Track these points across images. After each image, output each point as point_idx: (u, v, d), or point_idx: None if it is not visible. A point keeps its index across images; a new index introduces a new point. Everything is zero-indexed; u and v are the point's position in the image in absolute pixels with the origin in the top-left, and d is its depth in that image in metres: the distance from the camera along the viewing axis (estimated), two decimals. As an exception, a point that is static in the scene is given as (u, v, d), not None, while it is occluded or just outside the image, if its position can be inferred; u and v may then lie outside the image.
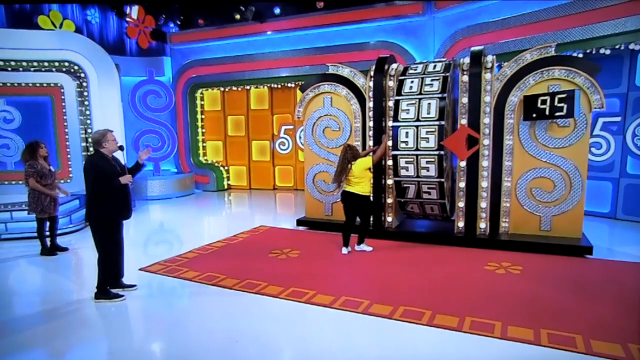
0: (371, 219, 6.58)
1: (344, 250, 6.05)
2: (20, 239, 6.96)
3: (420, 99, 6.27)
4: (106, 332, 3.99)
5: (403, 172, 6.32)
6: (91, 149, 9.19)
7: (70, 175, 9.43)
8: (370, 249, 6.14)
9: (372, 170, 5.97)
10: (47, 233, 6.37)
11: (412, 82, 6.47)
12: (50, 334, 3.86)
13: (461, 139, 6.03)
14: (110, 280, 4.60)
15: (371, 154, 6.38)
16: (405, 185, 6.39)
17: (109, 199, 4.36)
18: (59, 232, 7.25)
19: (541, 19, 7.70)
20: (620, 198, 7.66)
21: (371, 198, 6.12)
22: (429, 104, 6.20)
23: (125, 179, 4.39)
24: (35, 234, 6.38)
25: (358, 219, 6.16)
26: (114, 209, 4.42)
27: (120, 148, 4.55)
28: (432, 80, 6.34)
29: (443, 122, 6.06)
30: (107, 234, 4.47)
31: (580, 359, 3.22)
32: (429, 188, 6.26)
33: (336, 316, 4.05)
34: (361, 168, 5.82)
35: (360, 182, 5.86)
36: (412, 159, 6.23)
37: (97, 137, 4.40)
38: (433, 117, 6.13)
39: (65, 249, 6.49)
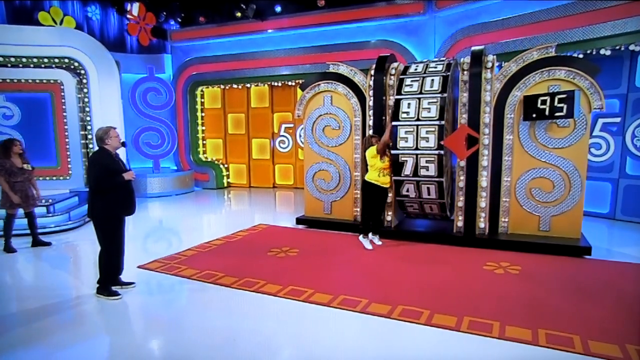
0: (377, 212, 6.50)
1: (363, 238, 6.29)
2: (17, 235, 6.90)
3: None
4: (104, 329, 4.00)
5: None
6: (91, 145, 9.30)
7: (70, 172, 9.43)
8: (369, 246, 6.16)
9: (383, 159, 6.03)
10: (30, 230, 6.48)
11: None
12: (48, 330, 3.86)
13: (461, 138, 6.03)
14: (110, 275, 4.61)
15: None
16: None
17: (112, 195, 4.40)
18: (58, 229, 7.29)
19: (542, 19, 7.69)
20: (620, 199, 7.67)
21: (376, 183, 6.08)
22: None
23: (128, 175, 4.44)
24: (27, 231, 6.46)
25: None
26: (116, 204, 4.46)
27: (123, 144, 4.64)
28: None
29: (443, 122, 6.07)
30: (110, 230, 4.50)
31: (577, 360, 3.23)
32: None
33: (334, 315, 4.05)
34: (368, 156, 6.10)
35: (371, 169, 6.12)
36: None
37: (100, 134, 4.44)
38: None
39: (48, 244, 6.54)
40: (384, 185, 6.17)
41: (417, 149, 6.19)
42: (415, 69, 6.62)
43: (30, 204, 6.36)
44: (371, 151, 6.06)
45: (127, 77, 11.58)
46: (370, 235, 6.38)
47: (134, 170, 4.66)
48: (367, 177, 6.16)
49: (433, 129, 6.11)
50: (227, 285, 4.78)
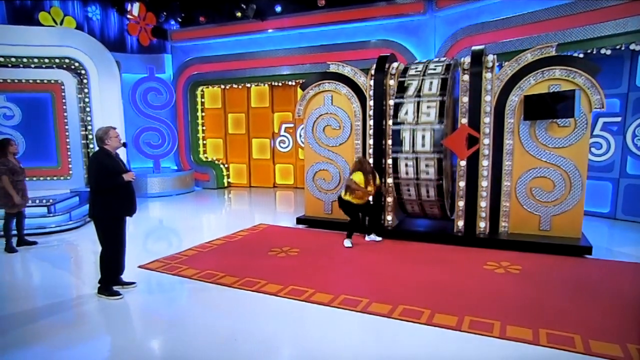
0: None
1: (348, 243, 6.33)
2: (14, 235, 6.93)
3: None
4: (105, 328, 4.00)
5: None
6: (92, 145, 9.30)
7: (70, 172, 9.43)
8: (348, 244, 6.27)
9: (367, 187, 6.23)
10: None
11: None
12: (50, 330, 3.87)
13: (461, 138, 6.04)
14: (111, 275, 4.61)
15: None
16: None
17: (113, 195, 4.39)
18: (58, 229, 7.30)
19: (542, 19, 7.69)
20: (620, 198, 7.66)
21: (352, 201, 6.28)
22: (431, 82, 6.32)
23: (128, 177, 4.43)
24: (35, 230, 6.46)
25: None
26: (117, 205, 4.46)
27: (124, 145, 4.65)
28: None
29: (445, 98, 6.12)
30: (110, 230, 4.50)
31: (578, 359, 3.22)
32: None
33: (335, 315, 4.05)
34: (353, 179, 6.21)
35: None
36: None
37: (100, 134, 4.44)
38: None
39: (34, 243, 6.56)
40: (360, 203, 6.29)
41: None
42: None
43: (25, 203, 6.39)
44: (359, 177, 6.14)
45: (128, 77, 11.58)
46: (367, 236, 6.56)
47: (134, 170, 4.66)
48: (344, 196, 6.29)
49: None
50: (228, 285, 4.78)
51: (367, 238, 6.55)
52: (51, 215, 7.40)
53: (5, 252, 6.21)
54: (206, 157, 13.12)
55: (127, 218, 4.66)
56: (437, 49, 9.71)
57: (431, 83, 6.32)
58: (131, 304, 4.43)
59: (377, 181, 6.42)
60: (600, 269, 5.21)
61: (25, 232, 6.57)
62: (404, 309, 4.07)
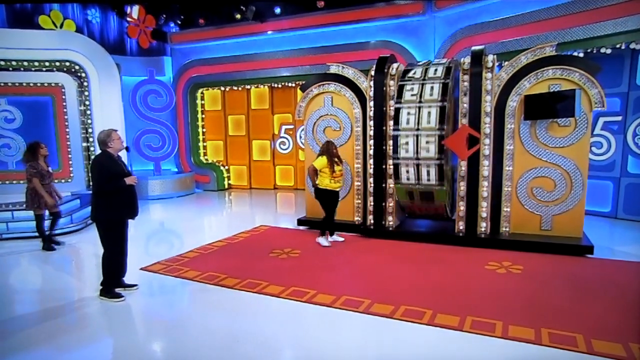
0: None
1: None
2: (21, 238, 6.96)
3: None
4: (107, 331, 4.01)
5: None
6: (92, 148, 9.33)
7: (71, 175, 9.45)
8: (326, 243, 6.38)
9: (333, 168, 6.30)
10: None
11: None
12: (52, 333, 3.87)
13: (462, 138, 6.04)
14: (113, 277, 4.62)
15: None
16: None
17: (115, 198, 4.40)
18: (60, 232, 7.30)
19: (542, 19, 7.69)
20: (621, 197, 7.66)
21: (327, 189, 6.35)
22: (432, 87, 6.32)
23: (130, 180, 4.43)
24: (36, 233, 6.49)
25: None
26: (119, 207, 4.46)
27: (127, 149, 4.69)
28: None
29: (446, 103, 6.13)
30: (112, 232, 4.50)
31: (581, 359, 3.22)
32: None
33: (337, 316, 4.05)
34: (318, 164, 6.28)
35: (323, 175, 6.32)
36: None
37: (102, 137, 4.44)
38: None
39: (60, 243, 6.62)
40: (336, 189, 6.38)
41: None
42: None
43: (57, 204, 6.52)
44: (322, 161, 6.22)
45: (128, 80, 11.59)
46: (331, 236, 6.60)
47: (135, 173, 4.67)
48: (320, 184, 6.32)
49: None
50: (230, 287, 4.79)
51: (330, 238, 6.56)
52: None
53: (43, 250, 6.38)
54: (206, 159, 13.12)
55: (129, 220, 4.67)
56: (436, 50, 9.71)
57: (432, 88, 6.32)
58: (133, 306, 4.43)
59: (341, 167, 6.43)
60: (601, 269, 5.20)
61: (25, 234, 6.62)
62: (406, 310, 4.07)
